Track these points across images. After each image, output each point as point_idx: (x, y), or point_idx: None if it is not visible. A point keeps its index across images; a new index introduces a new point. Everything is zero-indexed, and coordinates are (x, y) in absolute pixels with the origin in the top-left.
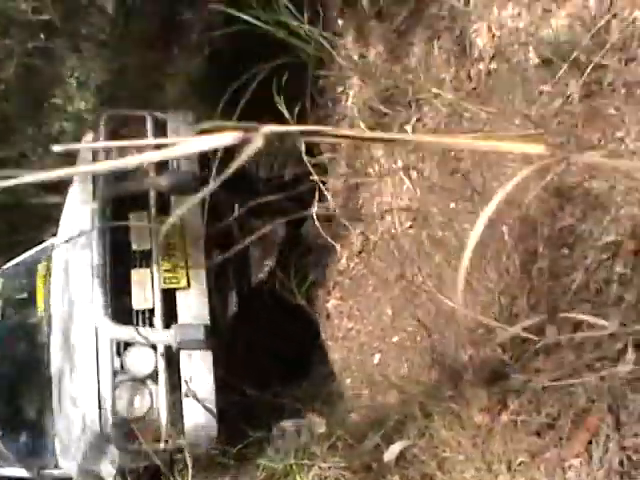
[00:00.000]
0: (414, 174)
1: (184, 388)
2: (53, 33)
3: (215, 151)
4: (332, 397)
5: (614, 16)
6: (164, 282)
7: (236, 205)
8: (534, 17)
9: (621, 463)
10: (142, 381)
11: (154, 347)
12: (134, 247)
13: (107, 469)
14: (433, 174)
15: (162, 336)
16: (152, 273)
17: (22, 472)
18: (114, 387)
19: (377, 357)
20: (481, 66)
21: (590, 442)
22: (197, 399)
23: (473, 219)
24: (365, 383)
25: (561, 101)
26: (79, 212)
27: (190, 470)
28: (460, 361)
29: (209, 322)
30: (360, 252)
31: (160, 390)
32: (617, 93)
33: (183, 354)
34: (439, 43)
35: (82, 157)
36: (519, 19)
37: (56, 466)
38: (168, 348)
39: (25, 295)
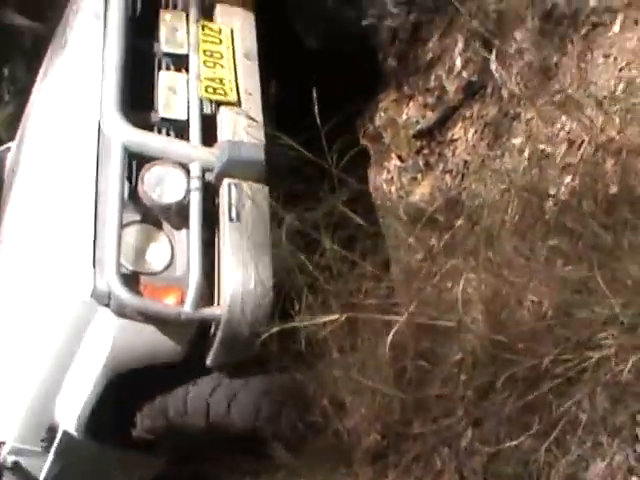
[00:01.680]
0: None
1: (225, 236)
2: None
3: None
4: None
5: (464, 189)
6: (206, 91)
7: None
8: (403, 183)
9: None
10: (159, 224)
11: (186, 170)
12: (164, 49)
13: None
14: None
15: (202, 152)
16: (189, 80)
17: None
18: (120, 226)
19: None
20: None
21: None
22: (244, 253)
23: None
24: None
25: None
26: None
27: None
28: (353, 445)
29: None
30: None
31: (192, 233)
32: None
33: (227, 184)
34: None
35: None
36: (392, 183)
37: None
38: (206, 174)
39: None
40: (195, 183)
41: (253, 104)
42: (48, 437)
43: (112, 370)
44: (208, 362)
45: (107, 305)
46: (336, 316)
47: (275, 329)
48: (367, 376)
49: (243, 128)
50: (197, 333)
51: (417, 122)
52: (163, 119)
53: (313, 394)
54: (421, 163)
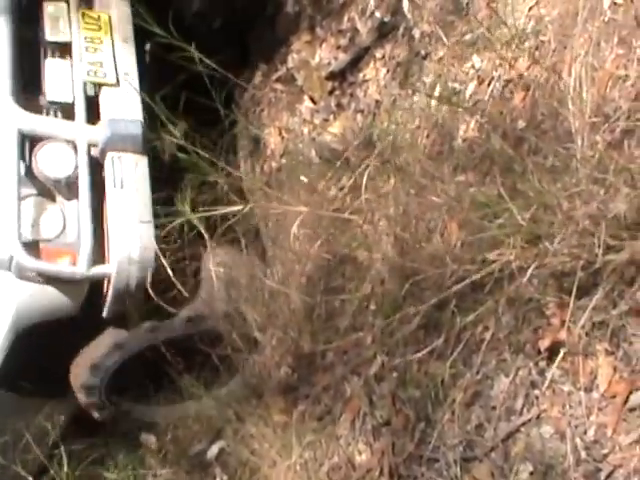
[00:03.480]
0: None
1: (111, 203)
2: None
3: None
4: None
5: (376, 128)
6: (88, 74)
7: None
8: (316, 125)
9: (372, 428)
10: (52, 196)
11: (74, 147)
12: (49, 38)
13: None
14: None
15: (87, 130)
16: (72, 65)
17: None
18: (19, 199)
19: None
20: (273, 163)
21: (354, 419)
22: (128, 216)
23: None
24: None
25: (335, 192)
26: None
27: None
28: (264, 378)
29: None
30: None
31: (82, 202)
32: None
33: (111, 157)
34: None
35: None
36: (304, 125)
37: None
38: (92, 150)
39: None
40: (82, 158)
41: (130, 83)
42: None
43: (17, 328)
44: (104, 314)
45: (9, 270)
46: (240, 207)
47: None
48: (277, 308)
49: (122, 106)
50: (91, 290)
51: (329, 64)
52: (50, 102)
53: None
54: (333, 104)
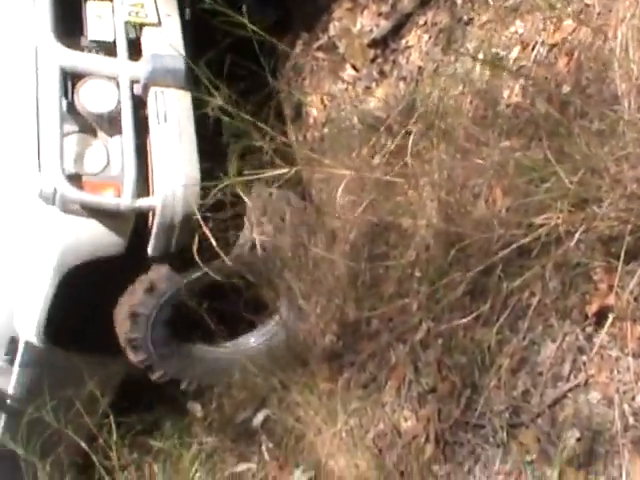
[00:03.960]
0: None
1: (155, 137)
2: None
3: None
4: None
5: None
6: (129, 15)
7: None
8: (358, 93)
9: (418, 394)
10: (95, 133)
11: (116, 83)
12: None
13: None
14: None
15: (129, 65)
16: (113, 5)
17: None
18: (61, 136)
19: None
20: (315, 132)
21: (399, 386)
22: (172, 149)
23: None
24: None
25: (379, 159)
26: None
27: None
28: (309, 346)
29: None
30: None
31: (125, 136)
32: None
33: (154, 92)
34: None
35: None
36: (347, 93)
37: None
38: (135, 86)
39: None
40: (125, 93)
41: (172, 24)
42: (10, 349)
43: (62, 268)
44: (149, 251)
45: (53, 204)
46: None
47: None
48: (321, 275)
49: (164, 44)
50: (136, 227)
51: (371, 31)
52: (92, 41)
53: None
54: (375, 72)
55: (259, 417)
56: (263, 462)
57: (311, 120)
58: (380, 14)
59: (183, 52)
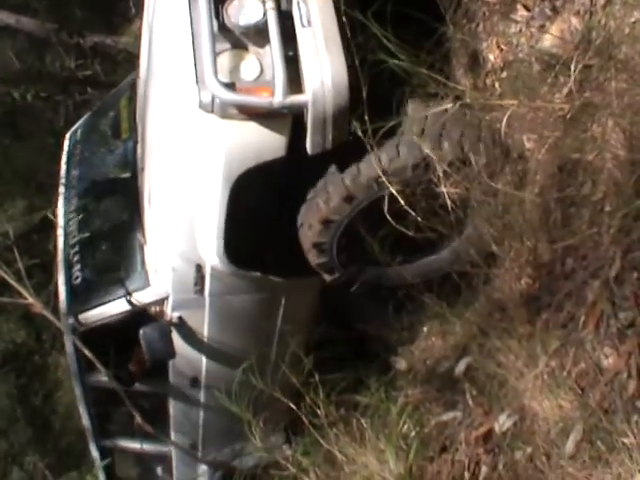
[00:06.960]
0: None
1: (301, 40)
2: None
3: None
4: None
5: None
6: None
7: None
8: (533, 33)
9: (617, 330)
10: (246, 47)
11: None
12: None
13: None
14: None
15: None
16: None
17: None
18: (215, 54)
19: None
20: (494, 76)
21: (598, 324)
22: (318, 50)
23: None
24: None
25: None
26: None
27: None
28: (505, 291)
29: None
30: None
31: (273, 43)
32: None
33: (297, 2)
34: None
35: None
36: (521, 35)
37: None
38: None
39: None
40: (270, 4)
41: None
42: (198, 278)
43: (231, 176)
44: (308, 149)
45: (212, 111)
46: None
47: None
48: (512, 218)
49: None
50: (293, 128)
51: None
52: None
53: None
54: (548, 9)
55: (461, 366)
56: (468, 409)
57: (489, 66)
58: None
59: None
